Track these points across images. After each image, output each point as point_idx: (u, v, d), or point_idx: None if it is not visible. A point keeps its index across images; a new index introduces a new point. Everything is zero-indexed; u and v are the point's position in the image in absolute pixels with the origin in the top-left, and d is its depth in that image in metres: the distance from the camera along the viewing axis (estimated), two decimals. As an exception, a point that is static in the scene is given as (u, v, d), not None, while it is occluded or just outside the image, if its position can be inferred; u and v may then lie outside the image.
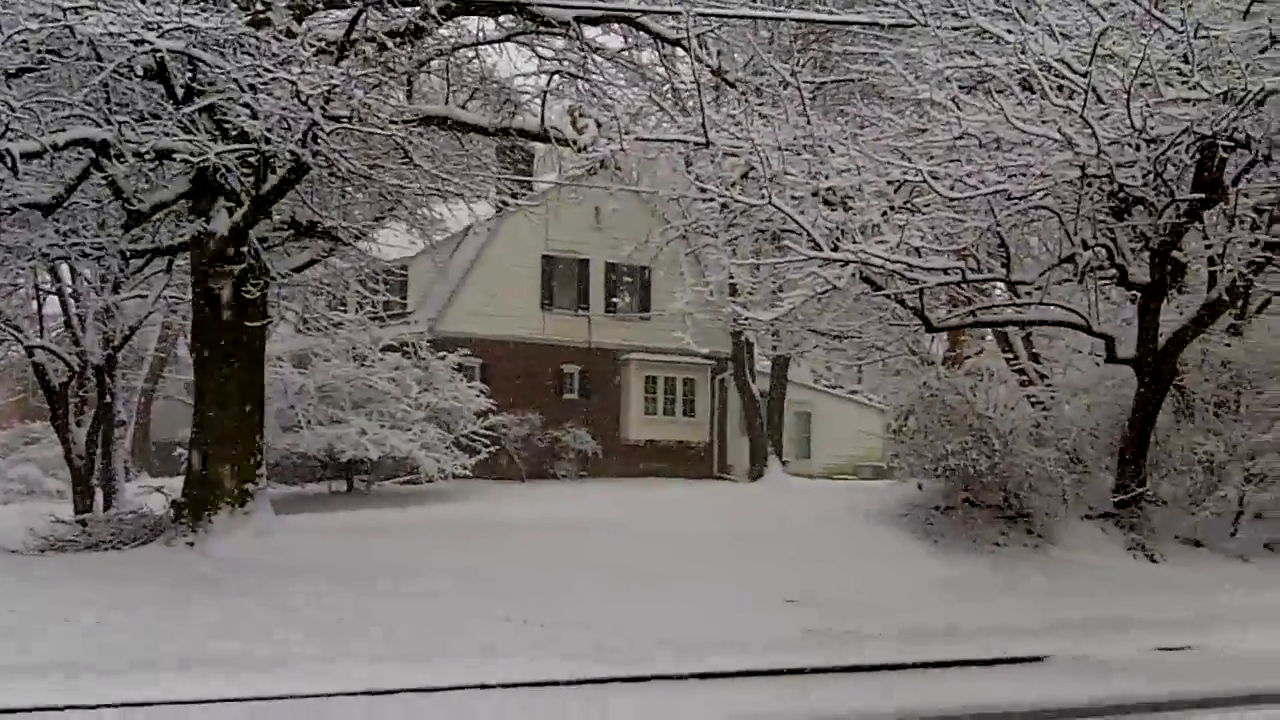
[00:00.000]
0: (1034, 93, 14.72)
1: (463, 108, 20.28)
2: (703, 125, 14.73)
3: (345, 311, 26.62)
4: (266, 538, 17.47)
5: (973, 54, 15.23)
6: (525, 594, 14.88)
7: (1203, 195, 16.48)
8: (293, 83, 14.72)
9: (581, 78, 19.52)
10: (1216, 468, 19.52)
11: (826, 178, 14.88)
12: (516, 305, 33.92)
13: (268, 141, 15.51)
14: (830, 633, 14.28)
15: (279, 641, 12.34)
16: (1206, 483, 19.60)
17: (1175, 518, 19.68)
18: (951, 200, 14.98)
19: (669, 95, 19.42)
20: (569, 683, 11.77)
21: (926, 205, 15.04)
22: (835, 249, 14.36)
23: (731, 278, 17.40)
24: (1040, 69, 14.21)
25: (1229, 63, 14.16)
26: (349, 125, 15.86)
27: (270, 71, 14.82)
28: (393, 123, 16.19)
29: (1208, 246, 18.13)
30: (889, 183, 15.11)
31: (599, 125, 17.47)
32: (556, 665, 12.17)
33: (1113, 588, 17.14)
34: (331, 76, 14.92)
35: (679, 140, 15.70)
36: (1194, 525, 19.48)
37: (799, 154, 15.13)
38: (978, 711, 10.94)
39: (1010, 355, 22.46)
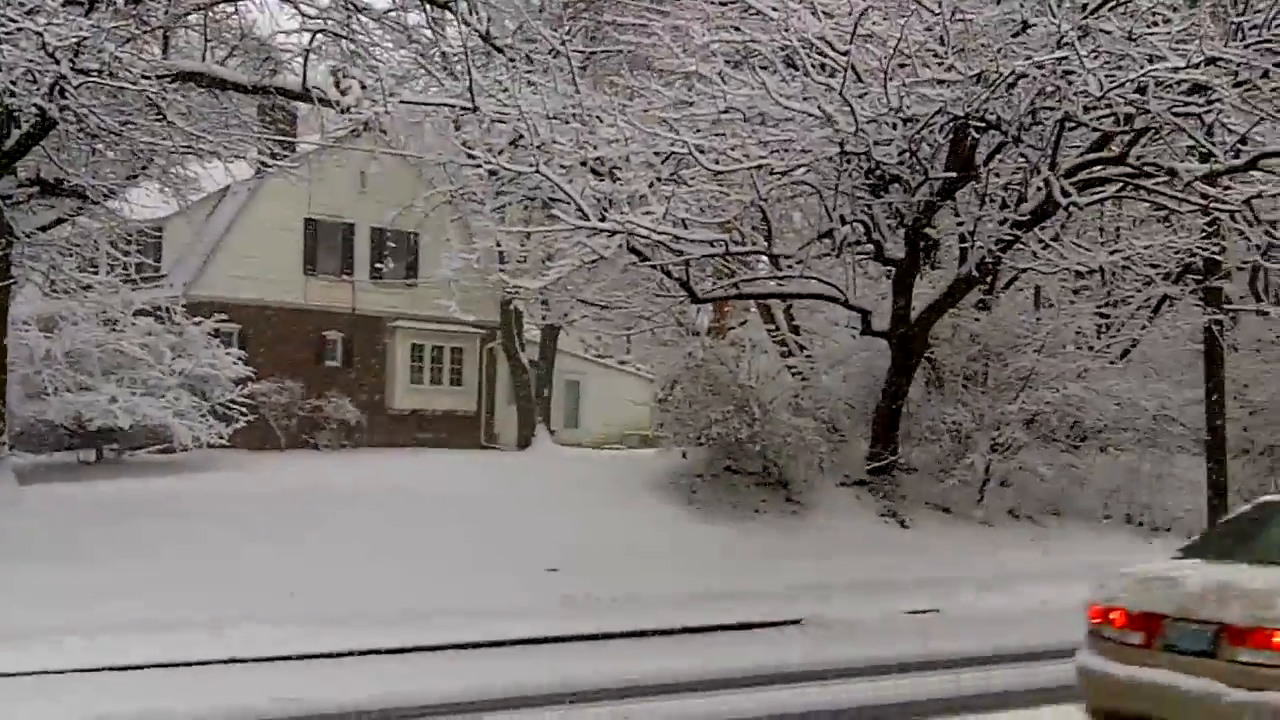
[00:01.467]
0: (797, 70, 15.01)
1: (221, 65, 19.67)
2: (470, 91, 14.61)
3: (95, 273, 25.53)
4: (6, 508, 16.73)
5: (738, 29, 15.45)
6: (264, 567, 14.58)
7: (955, 174, 17.05)
8: (39, 34, 14.05)
9: (346, 37, 19.12)
10: (964, 437, 20.30)
11: (595, 147, 14.92)
12: (277, 270, 32.97)
13: (11, 95, 14.78)
14: (591, 600, 14.39)
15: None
16: (955, 451, 20.37)
17: (925, 484, 20.41)
18: (717, 173, 15.17)
19: (437, 59, 19.18)
20: (310, 656, 11.58)
21: (692, 178, 15.20)
22: (603, 219, 14.40)
23: (499, 245, 17.30)
24: (803, 46, 14.50)
25: (983, 46, 14.67)
26: (99, 80, 15.23)
27: (15, 21, 14.13)
28: (145, 78, 15.60)
29: (959, 224, 18.77)
30: (656, 154, 15.23)
31: (363, 87, 17.15)
32: (294, 638, 11.98)
33: (865, 552, 17.68)
34: (81, 28, 14.27)
35: (445, 105, 15.56)
36: (942, 492, 20.23)
37: (567, 123, 15.13)
38: (734, 675, 11.14)
39: (772, 327, 22.90)
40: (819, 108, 14.49)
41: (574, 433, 40.09)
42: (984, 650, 12.53)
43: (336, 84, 18.75)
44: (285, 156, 23.18)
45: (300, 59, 19.16)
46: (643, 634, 13.17)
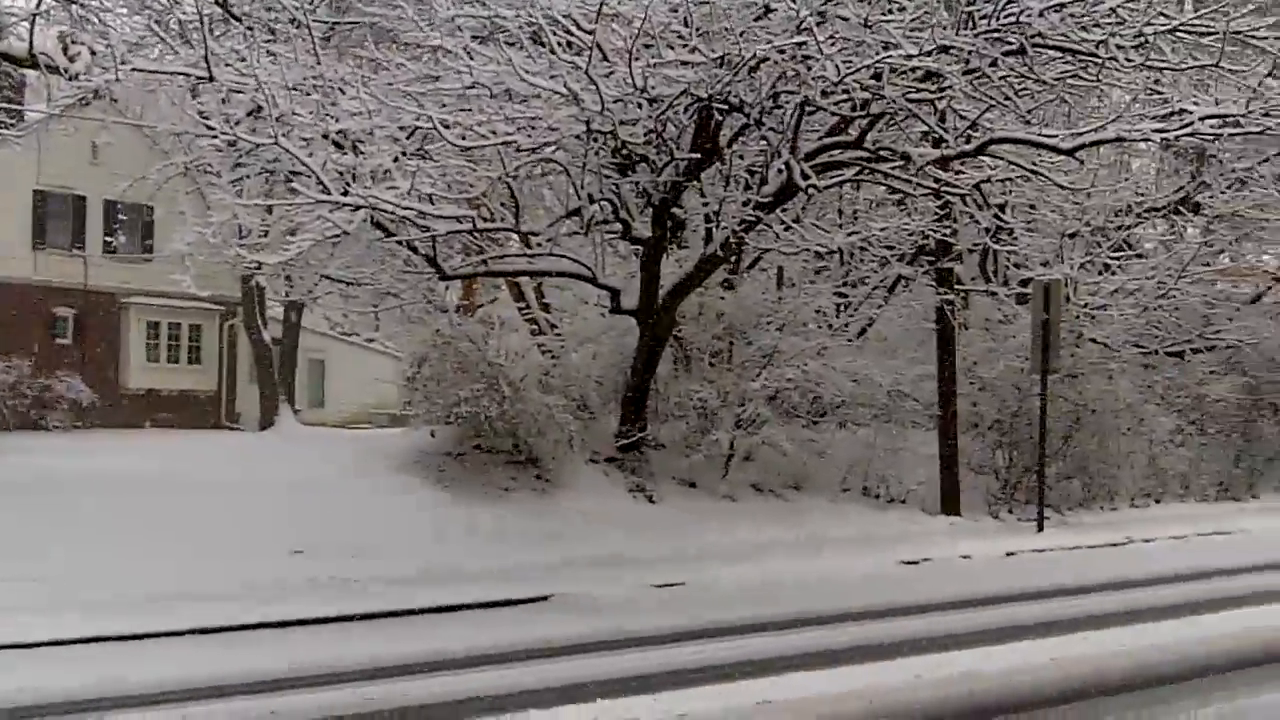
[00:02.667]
0: (543, 47, 14.99)
1: (-62, 27, 18.60)
2: (206, 59, 14.14)
3: None
4: None
5: (484, 4, 15.33)
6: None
7: (700, 155, 17.30)
8: None
9: (75, 2, 18.31)
10: (710, 414, 20.64)
11: (337, 120, 14.64)
12: (4, 243, 31.45)
13: None
14: (337, 581, 14.16)
15: None
16: (701, 427, 20.70)
17: (673, 460, 20.69)
18: (464, 149, 15.05)
19: (172, 26, 18.54)
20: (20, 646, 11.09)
21: (438, 153, 15.05)
22: (345, 193, 14.12)
23: (236, 219, 16.80)
24: (548, 23, 14.49)
25: (725, 29, 14.90)
26: None
27: None
28: None
29: (705, 205, 19.07)
30: (401, 128, 15.01)
31: (94, 53, 16.44)
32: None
33: (614, 528, 17.86)
34: None
35: (180, 74, 15.02)
36: (689, 467, 20.55)
37: (309, 94, 14.80)
38: (478, 653, 11.11)
39: (522, 304, 22.87)
40: (565, 86, 14.49)
41: (319, 412, 39.43)
42: (729, 620, 12.81)
43: (65, 50, 17.95)
44: (11, 125, 22.05)
45: (26, 24, 18.26)
46: (389, 615, 13.01)
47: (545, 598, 14.13)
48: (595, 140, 16.13)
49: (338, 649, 11.19)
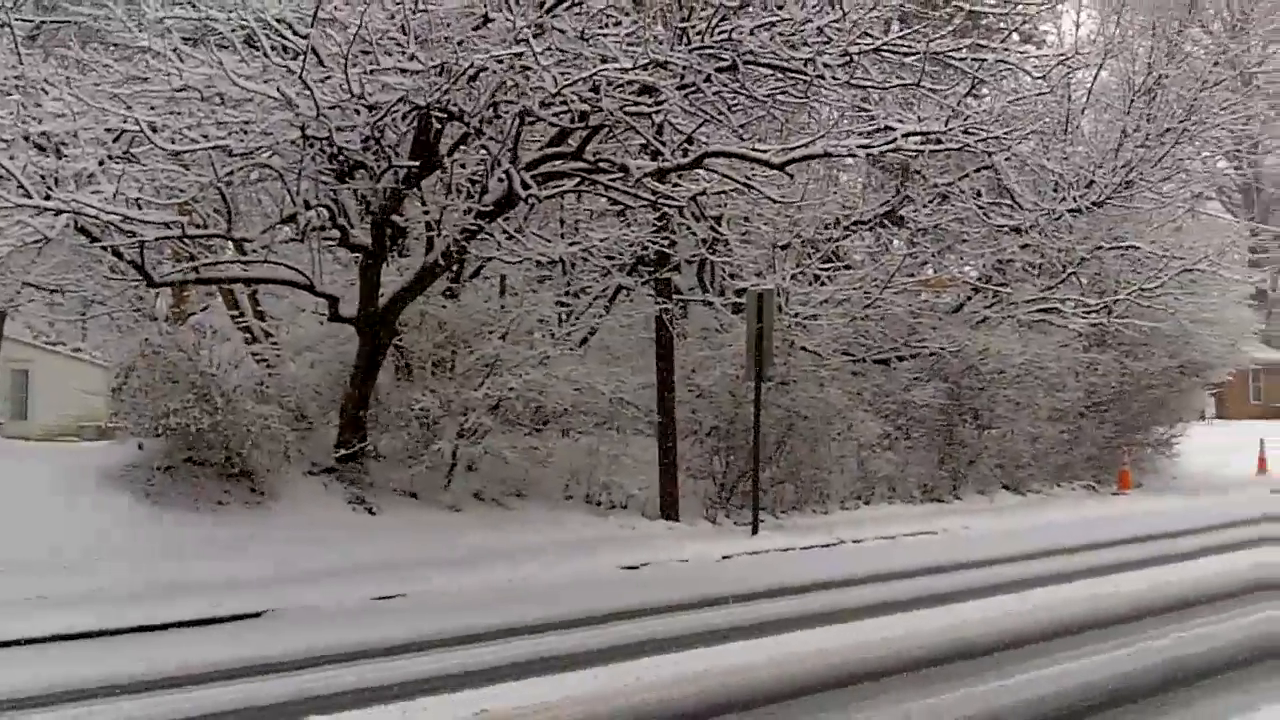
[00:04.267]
0: (257, 50, 14.71)
1: None
2: (-104, 56, 13.40)
3: None
4: None
5: (194, 6, 14.97)
6: None
7: (419, 163, 17.22)
8: None
9: None
10: (432, 423, 20.53)
11: (39, 121, 14.09)
12: None
13: None
14: (34, 602, 13.55)
15: None
16: (423, 437, 20.56)
17: (394, 471, 20.48)
18: (174, 153, 14.64)
19: None
20: None
21: (146, 156, 14.60)
22: (48, 197, 13.58)
23: (-71, 222, 15.93)
24: (261, 27, 14.22)
25: (445, 38, 14.90)
26: None
27: None
28: None
29: (426, 213, 18.99)
30: (107, 130, 14.53)
31: None
32: None
33: (334, 541, 17.58)
34: None
35: None
36: (411, 478, 20.39)
37: (9, 94, 14.22)
38: (189, 671, 10.83)
39: (236, 312, 22.28)
40: (279, 90, 14.25)
41: (23, 425, 37.56)
42: (449, 630, 12.80)
43: None
44: None
45: None
46: (92, 634, 12.54)
47: (260, 613, 13.84)
48: (311, 146, 15.88)
49: (35, 670, 10.73)
